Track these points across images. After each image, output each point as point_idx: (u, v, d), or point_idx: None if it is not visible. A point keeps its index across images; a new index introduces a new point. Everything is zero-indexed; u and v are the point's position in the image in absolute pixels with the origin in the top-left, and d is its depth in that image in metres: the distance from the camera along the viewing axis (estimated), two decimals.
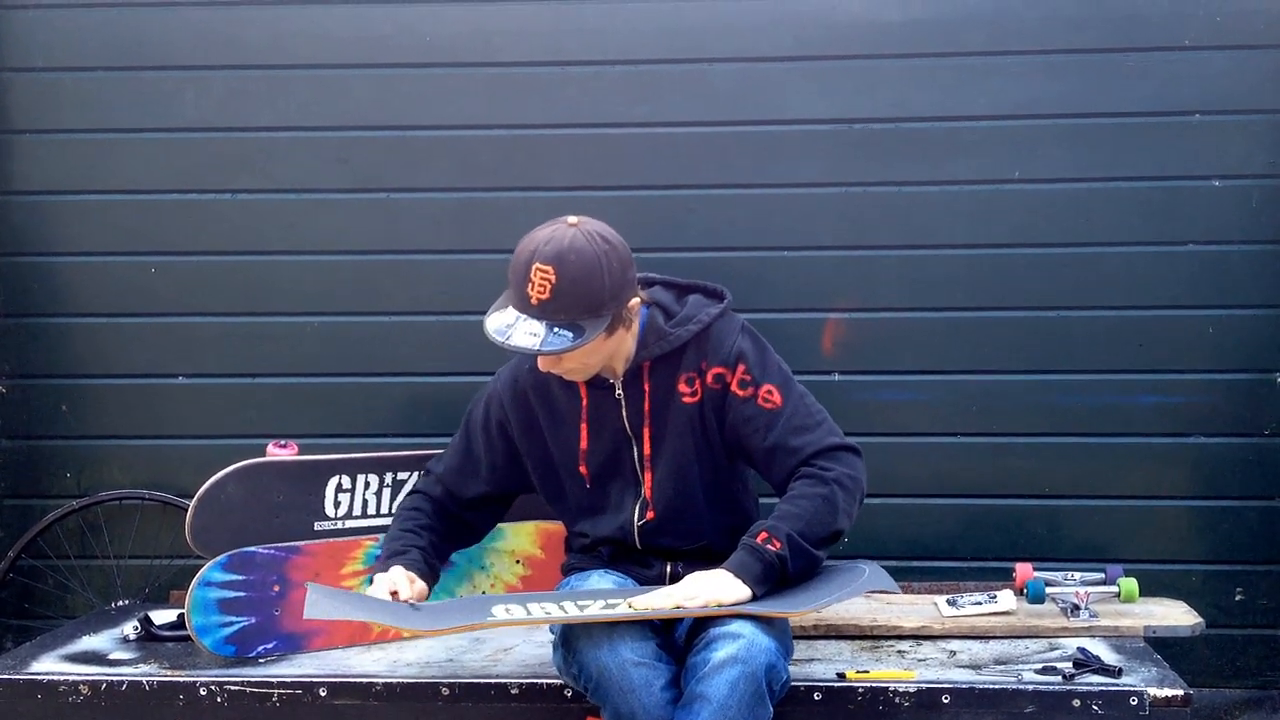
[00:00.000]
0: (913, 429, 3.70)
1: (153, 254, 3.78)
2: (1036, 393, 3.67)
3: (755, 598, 2.51)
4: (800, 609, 2.55)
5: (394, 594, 2.58)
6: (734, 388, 2.66)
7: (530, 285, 2.50)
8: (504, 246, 3.64)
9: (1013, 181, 3.65)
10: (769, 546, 2.53)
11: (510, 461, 2.85)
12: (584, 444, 2.73)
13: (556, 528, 3.05)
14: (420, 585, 2.66)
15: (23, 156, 3.79)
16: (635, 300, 2.62)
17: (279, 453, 3.14)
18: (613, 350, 2.64)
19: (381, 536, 3.04)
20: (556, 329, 2.49)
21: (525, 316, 2.51)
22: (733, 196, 3.69)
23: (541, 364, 2.63)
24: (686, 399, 2.67)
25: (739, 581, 2.51)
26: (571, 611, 2.52)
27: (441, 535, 2.84)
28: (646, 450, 2.70)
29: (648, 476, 2.72)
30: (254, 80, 3.74)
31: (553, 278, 2.48)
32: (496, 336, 2.52)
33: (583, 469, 2.75)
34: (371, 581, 2.69)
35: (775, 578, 2.54)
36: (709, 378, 2.67)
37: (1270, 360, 3.64)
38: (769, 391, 2.65)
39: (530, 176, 3.71)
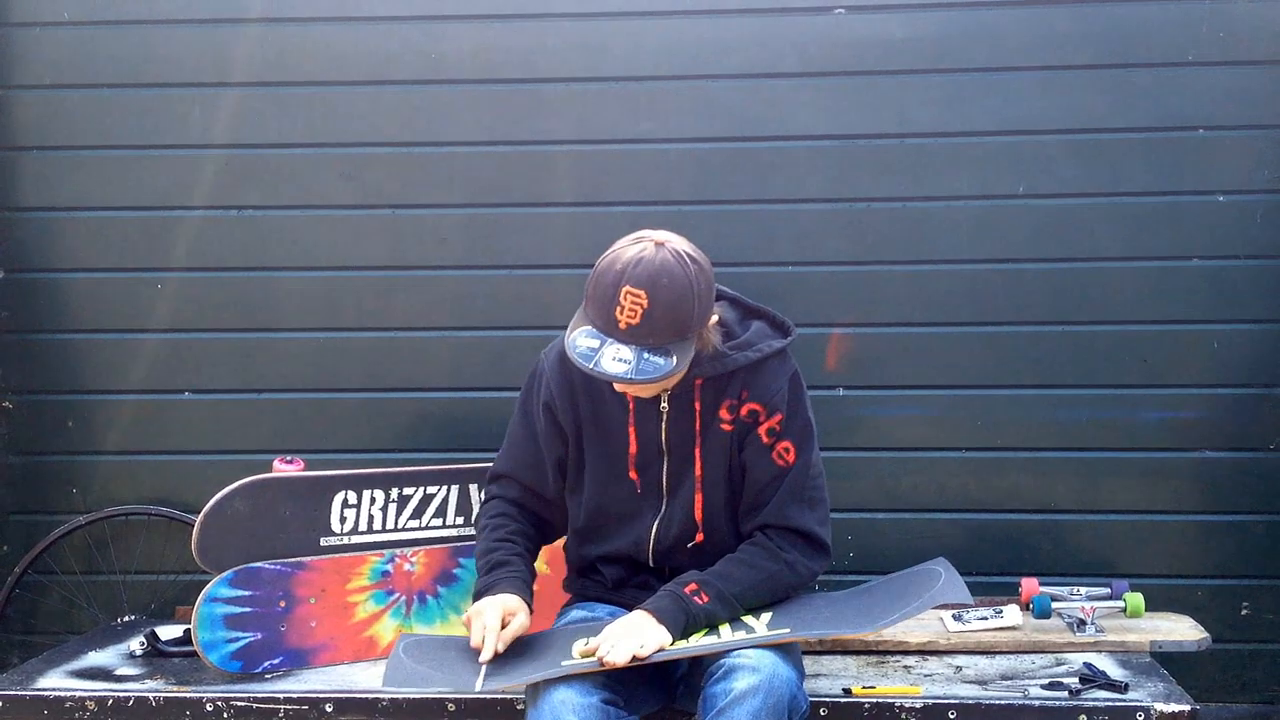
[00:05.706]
0: (917, 444, 3.70)
1: (159, 270, 3.79)
2: (1041, 407, 3.67)
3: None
4: (862, 630, 2.53)
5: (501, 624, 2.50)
6: (760, 430, 2.60)
7: (619, 309, 2.38)
8: (509, 262, 3.72)
9: (1017, 197, 3.65)
10: (695, 599, 2.49)
11: (567, 444, 2.72)
12: (633, 449, 2.64)
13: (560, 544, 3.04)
14: (522, 620, 2.53)
15: (30, 173, 3.80)
16: (714, 318, 2.55)
17: (285, 468, 3.15)
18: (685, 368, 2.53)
19: (386, 552, 3.05)
20: (646, 354, 2.39)
21: (611, 340, 2.40)
22: (736, 212, 3.70)
23: (619, 385, 2.54)
24: (725, 425, 2.61)
25: (660, 625, 2.45)
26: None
27: (531, 538, 2.74)
28: (698, 471, 2.62)
29: (699, 498, 2.64)
30: (260, 97, 3.75)
31: (645, 303, 2.37)
32: (582, 362, 2.39)
33: (633, 474, 2.65)
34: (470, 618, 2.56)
35: (697, 628, 2.50)
36: (743, 410, 2.60)
37: (1275, 374, 3.64)
38: (786, 449, 2.61)
39: (535, 192, 3.72)
